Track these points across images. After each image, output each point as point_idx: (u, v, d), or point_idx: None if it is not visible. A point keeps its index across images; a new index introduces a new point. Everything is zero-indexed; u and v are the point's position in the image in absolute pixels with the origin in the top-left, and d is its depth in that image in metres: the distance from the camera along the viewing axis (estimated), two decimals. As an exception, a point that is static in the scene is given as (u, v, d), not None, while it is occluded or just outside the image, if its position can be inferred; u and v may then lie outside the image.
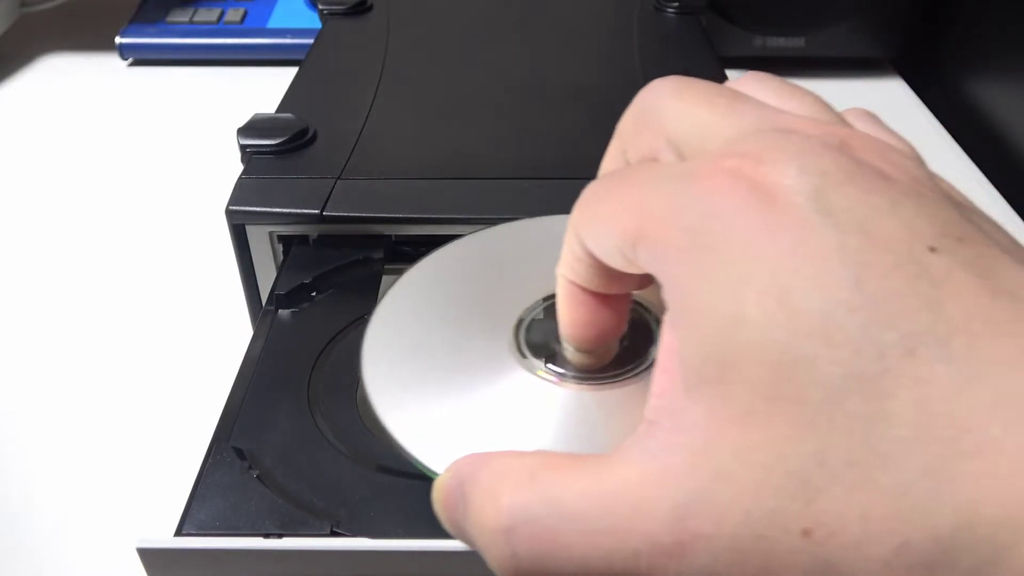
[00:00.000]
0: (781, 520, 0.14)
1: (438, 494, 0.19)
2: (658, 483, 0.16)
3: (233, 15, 0.64)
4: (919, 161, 0.18)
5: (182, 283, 0.42)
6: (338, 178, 0.34)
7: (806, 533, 0.14)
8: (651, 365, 0.24)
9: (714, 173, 0.17)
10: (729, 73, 0.44)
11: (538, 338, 0.25)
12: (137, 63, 0.63)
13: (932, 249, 0.15)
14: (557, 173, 0.34)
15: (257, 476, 0.24)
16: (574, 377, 0.24)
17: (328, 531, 0.22)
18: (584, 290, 0.21)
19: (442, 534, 0.22)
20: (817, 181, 0.16)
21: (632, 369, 0.24)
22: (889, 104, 0.57)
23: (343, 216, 0.32)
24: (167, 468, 0.31)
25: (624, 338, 0.24)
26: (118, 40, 0.62)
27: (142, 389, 0.36)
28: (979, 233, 0.16)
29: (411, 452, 0.22)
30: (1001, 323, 0.14)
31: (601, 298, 0.21)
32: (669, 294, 0.17)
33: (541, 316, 0.26)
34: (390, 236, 0.33)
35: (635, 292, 0.22)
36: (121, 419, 0.34)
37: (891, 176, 0.16)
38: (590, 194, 0.19)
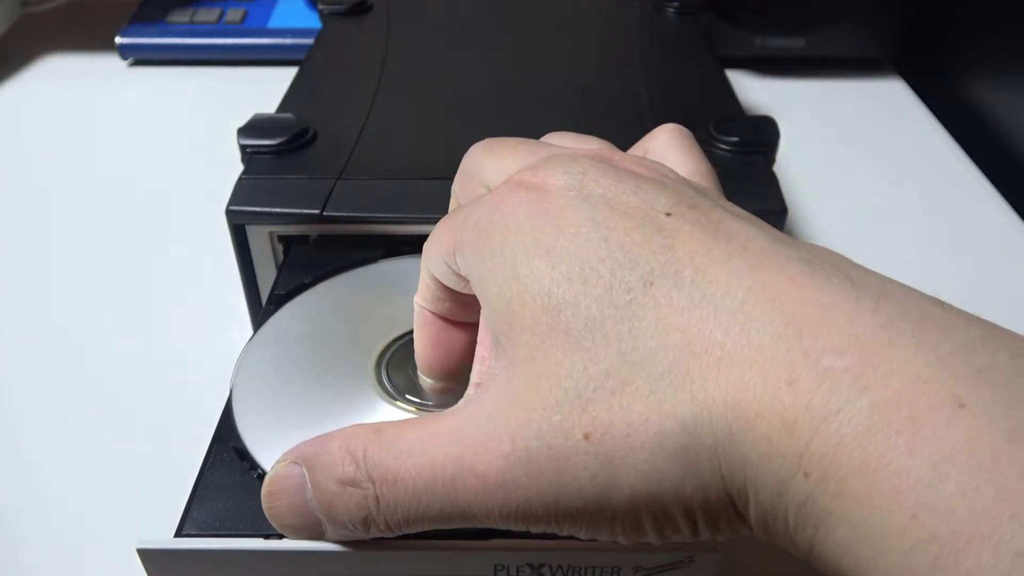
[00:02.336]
0: (565, 428, 0.18)
1: (277, 483, 0.21)
2: (468, 420, 0.19)
3: (233, 15, 0.64)
4: (671, 170, 0.22)
5: (182, 283, 0.42)
6: (338, 178, 0.34)
7: (586, 436, 0.17)
8: None
9: (502, 186, 0.21)
10: (729, 73, 0.44)
11: (398, 372, 0.27)
12: (137, 63, 0.63)
13: (667, 214, 0.19)
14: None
15: (257, 476, 0.24)
16: (425, 405, 0.26)
17: (328, 531, 0.22)
18: (434, 315, 0.25)
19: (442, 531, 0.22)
20: (579, 177, 0.20)
21: None
22: (889, 104, 0.57)
23: (343, 216, 0.32)
24: (167, 469, 0.31)
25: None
26: (118, 40, 0.62)
27: (142, 389, 0.36)
28: (711, 203, 0.20)
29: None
30: (718, 256, 0.18)
31: (450, 324, 0.25)
32: (472, 282, 0.21)
33: (400, 350, 0.28)
34: (390, 236, 0.33)
35: None
36: (121, 419, 0.34)
37: (641, 174, 0.21)
38: (433, 231, 0.24)
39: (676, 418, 0.17)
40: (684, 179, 0.22)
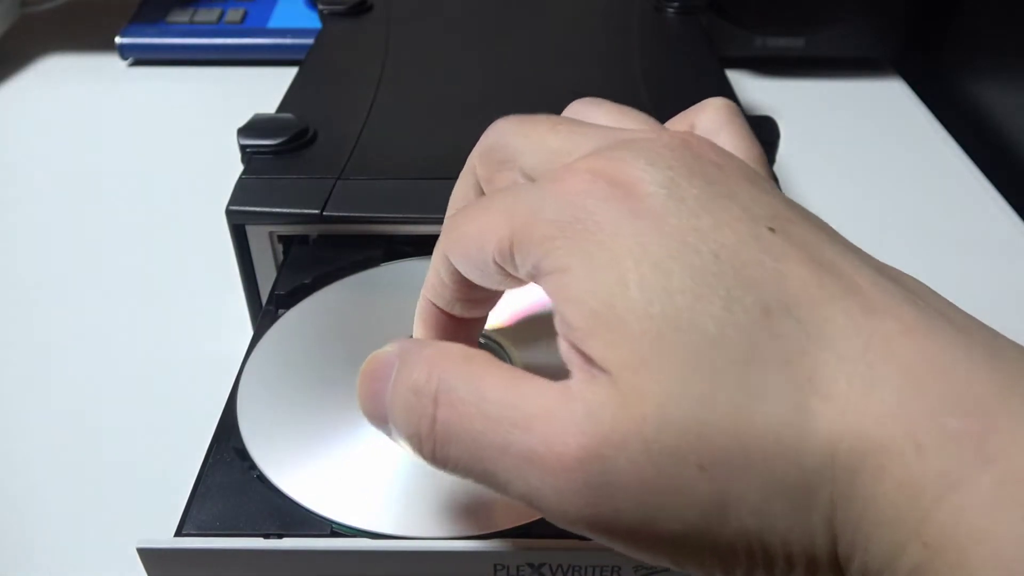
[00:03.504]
0: (680, 453, 0.16)
1: (373, 364, 0.20)
2: (564, 404, 0.17)
3: (233, 15, 0.64)
4: (743, 160, 0.21)
5: (182, 283, 0.42)
6: (338, 178, 0.34)
7: (701, 467, 0.16)
8: None
9: (572, 175, 0.19)
10: (729, 73, 0.44)
11: None
12: (137, 63, 0.63)
13: (770, 229, 0.18)
14: (557, 173, 0.34)
15: (257, 476, 0.24)
16: None
17: (328, 531, 0.22)
18: (442, 311, 0.23)
19: (439, 533, 0.22)
20: (667, 173, 0.19)
21: None
22: (889, 104, 0.57)
23: (343, 216, 0.32)
24: (167, 468, 0.31)
25: None
26: (118, 40, 0.62)
27: (142, 389, 0.36)
28: (801, 217, 0.19)
29: (293, 497, 0.23)
30: (832, 291, 0.17)
31: (456, 321, 0.24)
32: (547, 279, 0.19)
33: None
34: (390, 236, 0.33)
35: (493, 330, 0.27)
36: (121, 419, 0.34)
37: (726, 168, 0.20)
38: (456, 222, 0.22)
39: (798, 464, 0.16)
40: (762, 176, 0.21)
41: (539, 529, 0.22)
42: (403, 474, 0.24)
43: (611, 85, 0.43)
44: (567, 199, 0.19)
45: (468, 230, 0.21)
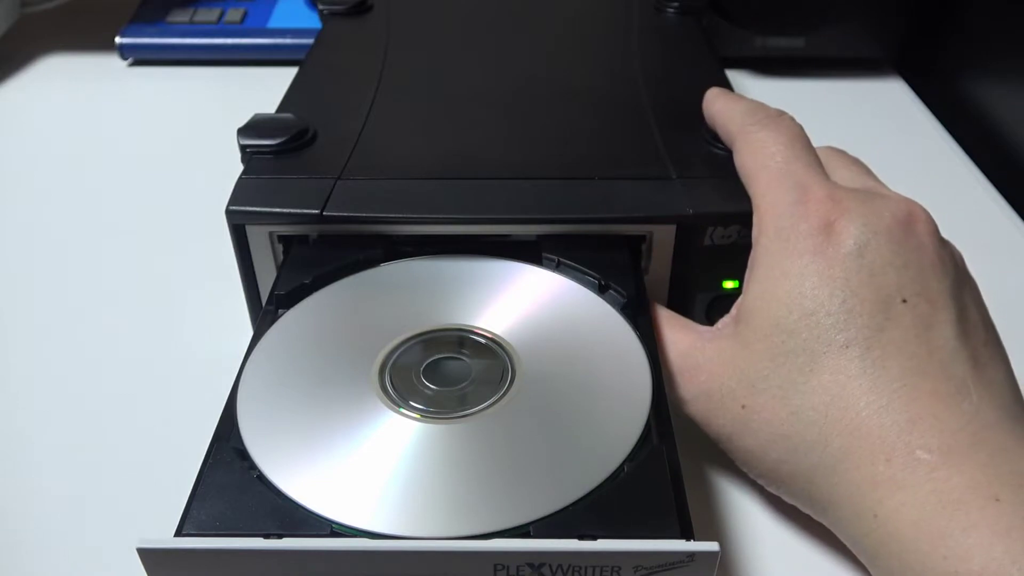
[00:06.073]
0: (736, 393, 0.27)
1: None
2: (713, 347, 0.28)
3: (233, 15, 0.64)
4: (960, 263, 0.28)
5: (182, 283, 0.42)
6: (338, 178, 0.34)
7: (743, 407, 0.26)
8: (500, 399, 0.26)
9: (814, 203, 0.27)
10: (729, 73, 0.44)
11: (401, 377, 0.27)
12: (137, 63, 0.63)
13: (904, 300, 0.25)
14: (557, 173, 0.34)
15: (257, 476, 0.24)
16: (428, 412, 0.26)
17: (328, 531, 0.22)
18: None
19: (439, 533, 0.22)
20: (868, 235, 0.25)
21: (485, 405, 0.26)
22: (889, 104, 0.57)
23: (343, 216, 0.32)
24: (167, 468, 0.31)
25: (475, 380, 0.27)
26: (118, 40, 0.62)
27: (142, 388, 0.36)
28: (947, 298, 0.25)
29: (297, 500, 0.23)
30: (908, 353, 0.24)
31: None
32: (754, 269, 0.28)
33: (404, 355, 0.28)
34: (390, 236, 0.33)
35: (496, 332, 0.29)
36: (121, 419, 0.34)
37: (924, 247, 0.26)
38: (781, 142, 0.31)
39: (797, 423, 0.25)
40: (960, 262, 0.27)
41: (539, 529, 0.22)
42: (403, 474, 0.24)
43: (611, 85, 0.43)
44: (792, 219, 0.28)
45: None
